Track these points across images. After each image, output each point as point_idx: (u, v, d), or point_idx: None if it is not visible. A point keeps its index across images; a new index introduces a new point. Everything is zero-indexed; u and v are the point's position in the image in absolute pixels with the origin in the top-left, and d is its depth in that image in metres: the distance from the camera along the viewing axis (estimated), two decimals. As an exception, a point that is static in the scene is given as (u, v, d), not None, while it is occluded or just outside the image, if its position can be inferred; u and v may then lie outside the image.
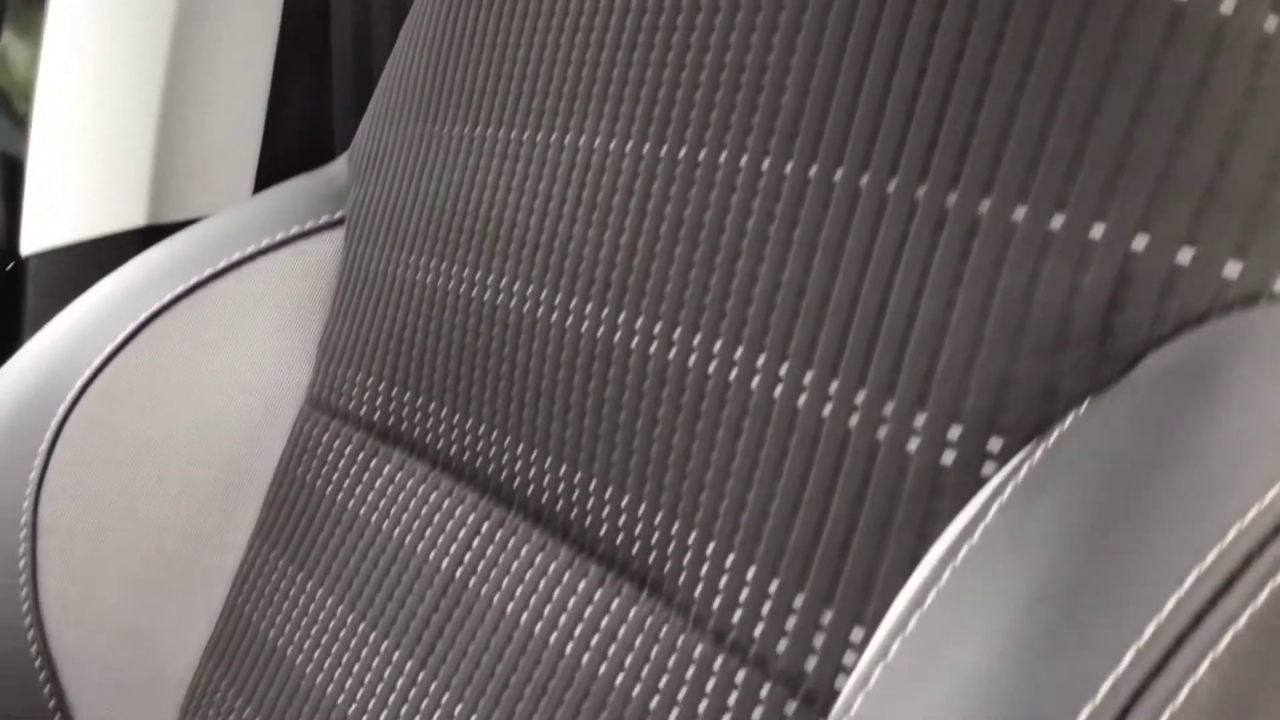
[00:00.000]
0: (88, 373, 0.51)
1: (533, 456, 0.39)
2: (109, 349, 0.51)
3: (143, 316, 0.52)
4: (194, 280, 0.52)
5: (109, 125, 0.64)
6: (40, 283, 0.65)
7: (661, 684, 0.32)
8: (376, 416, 0.47)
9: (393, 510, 0.45)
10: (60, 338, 0.53)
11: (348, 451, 0.48)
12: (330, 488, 0.48)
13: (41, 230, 0.66)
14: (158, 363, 0.51)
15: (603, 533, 0.36)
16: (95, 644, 0.50)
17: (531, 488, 0.39)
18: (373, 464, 0.47)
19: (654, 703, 0.32)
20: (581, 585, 0.36)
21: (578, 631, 0.36)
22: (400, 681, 0.40)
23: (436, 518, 0.43)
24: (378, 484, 0.46)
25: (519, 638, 0.37)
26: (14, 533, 0.50)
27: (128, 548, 0.51)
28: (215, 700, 0.48)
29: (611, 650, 0.34)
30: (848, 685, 0.24)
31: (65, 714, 0.50)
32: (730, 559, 0.32)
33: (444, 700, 0.38)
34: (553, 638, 0.36)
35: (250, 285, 0.53)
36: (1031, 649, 0.21)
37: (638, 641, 0.34)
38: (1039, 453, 0.25)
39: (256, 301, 0.53)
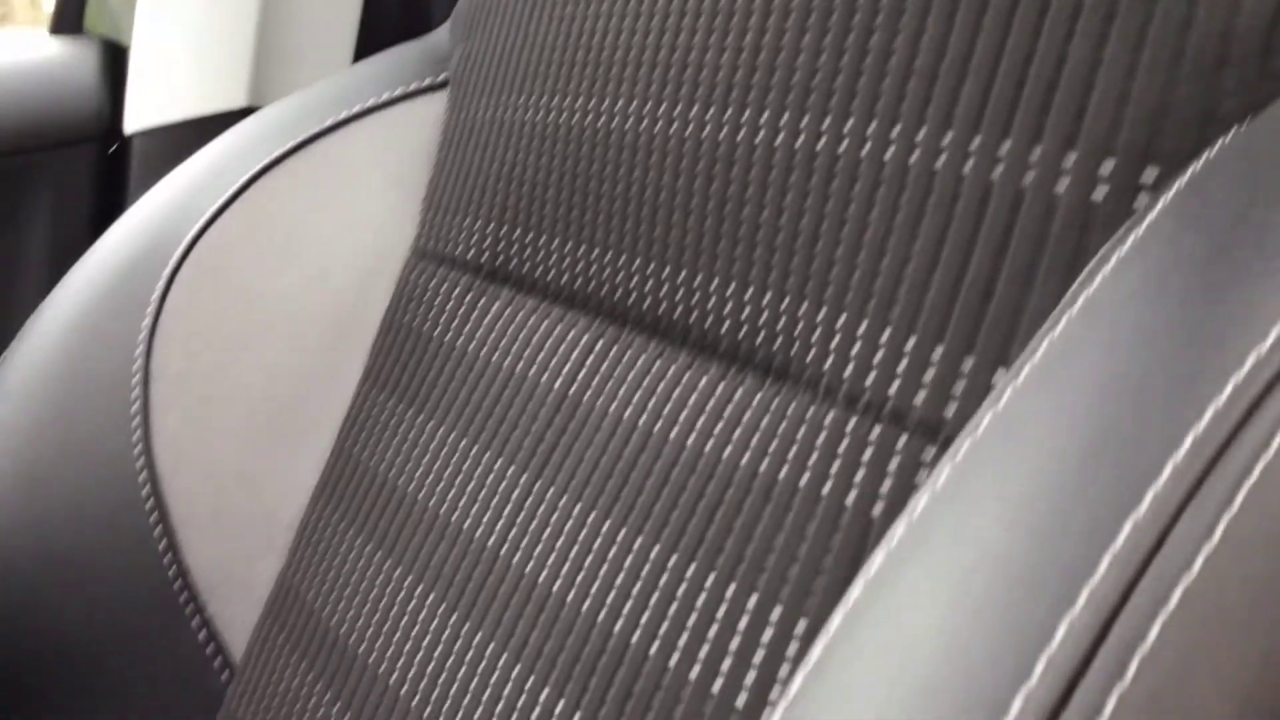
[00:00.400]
0: (199, 224, 0.52)
1: (649, 269, 0.40)
2: (220, 202, 0.52)
3: (252, 171, 0.53)
4: (301, 138, 0.53)
5: (211, 6, 0.66)
6: (143, 162, 0.66)
7: (790, 454, 0.32)
8: (484, 258, 0.48)
9: (502, 343, 0.45)
10: (173, 193, 0.54)
11: (455, 294, 0.49)
12: (438, 329, 0.49)
13: (145, 110, 0.67)
14: (266, 216, 0.52)
15: (724, 330, 0.36)
16: (206, 488, 0.51)
17: (648, 300, 0.40)
18: (481, 303, 0.47)
19: (783, 472, 0.32)
20: (702, 382, 0.37)
21: (699, 423, 0.36)
22: (515, 493, 0.41)
23: (548, 343, 0.43)
24: (486, 320, 0.46)
25: (637, 439, 0.37)
26: (128, 378, 0.51)
27: (238, 394, 0.52)
28: (326, 536, 0.49)
29: (735, 434, 0.34)
30: (987, 414, 0.24)
31: (176, 555, 0.51)
32: (863, 326, 0.32)
33: (561, 503, 0.39)
34: (673, 433, 0.36)
35: (355, 144, 0.54)
36: (1137, 387, 0.21)
37: (763, 422, 0.34)
38: (1187, 178, 0.25)
39: (362, 160, 0.53)
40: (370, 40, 0.69)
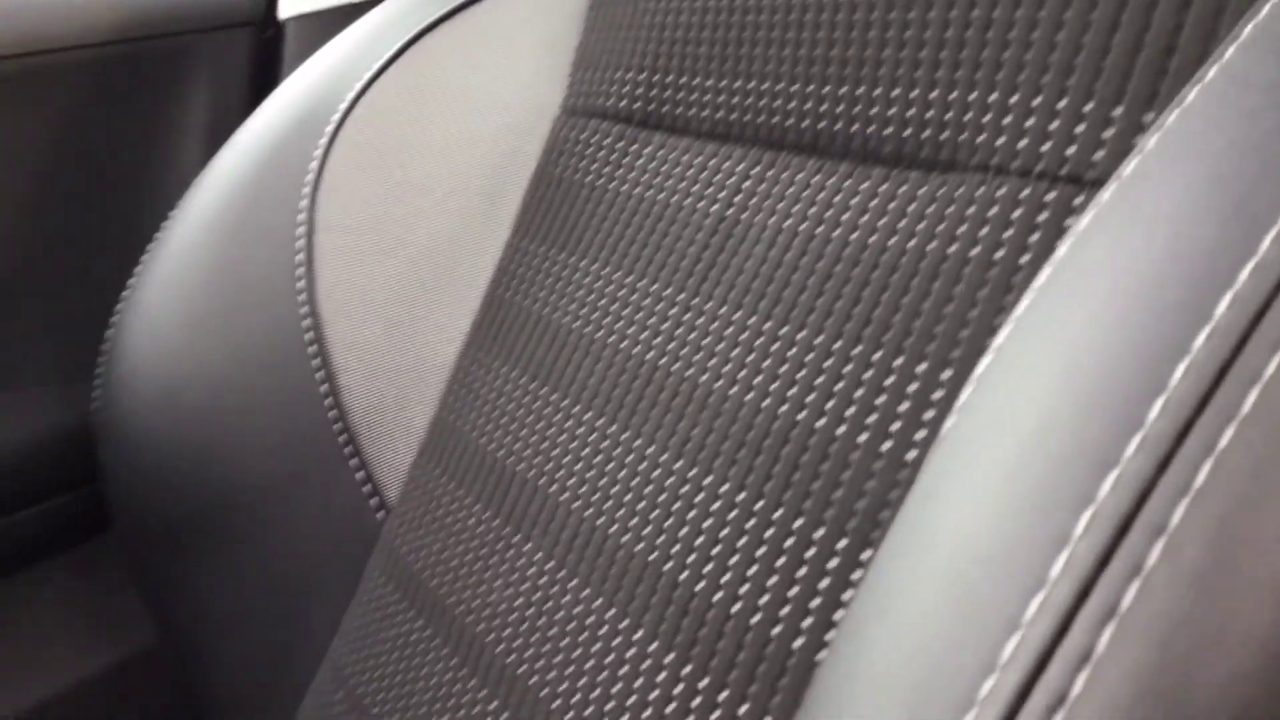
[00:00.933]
0: (360, 84, 0.55)
1: (808, 90, 0.41)
2: (379, 63, 0.55)
3: (411, 34, 0.55)
4: (456, 3, 0.55)
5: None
6: (296, 47, 0.70)
7: (959, 231, 0.33)
8: (636, 106, 0.49)
9: (655, 180, 0.47)
10: (335, 58, 0.56)
11: (606, 144, 0.50)
12: (589, 177, 0.50)
13: None
14: (423, 77, 0.55)
15: (886, 133, 0.37)
16: (365, 334, 0.54)
17: (806, 120, 0.41)
18: (633, 149, 0.49)
19: (952, 248, 0.33)
20: (864, 186, 0.38)
21: (861, 221, 0.37)
22: (673, 310, 0.42)
23: (702, 175, 0.45)
24: (639, 164, 0.48)
25: (798, 244, 0.39)
26: (293, 230, 0.54)
27: (396, 246, 0.54)
28: (480, 374, 0.51)
29: (900, 224, 0.35)
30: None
31: (336, 400, 0.54)
32: (1037, 100, 0.32)
33: (721, 311, 0.40)
34: (835, 233, 0.38)
35: (508, 10, 0.56)
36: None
37: (929, 210, 0.35)
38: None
39: (514, 24, 0.55)
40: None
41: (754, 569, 0.34)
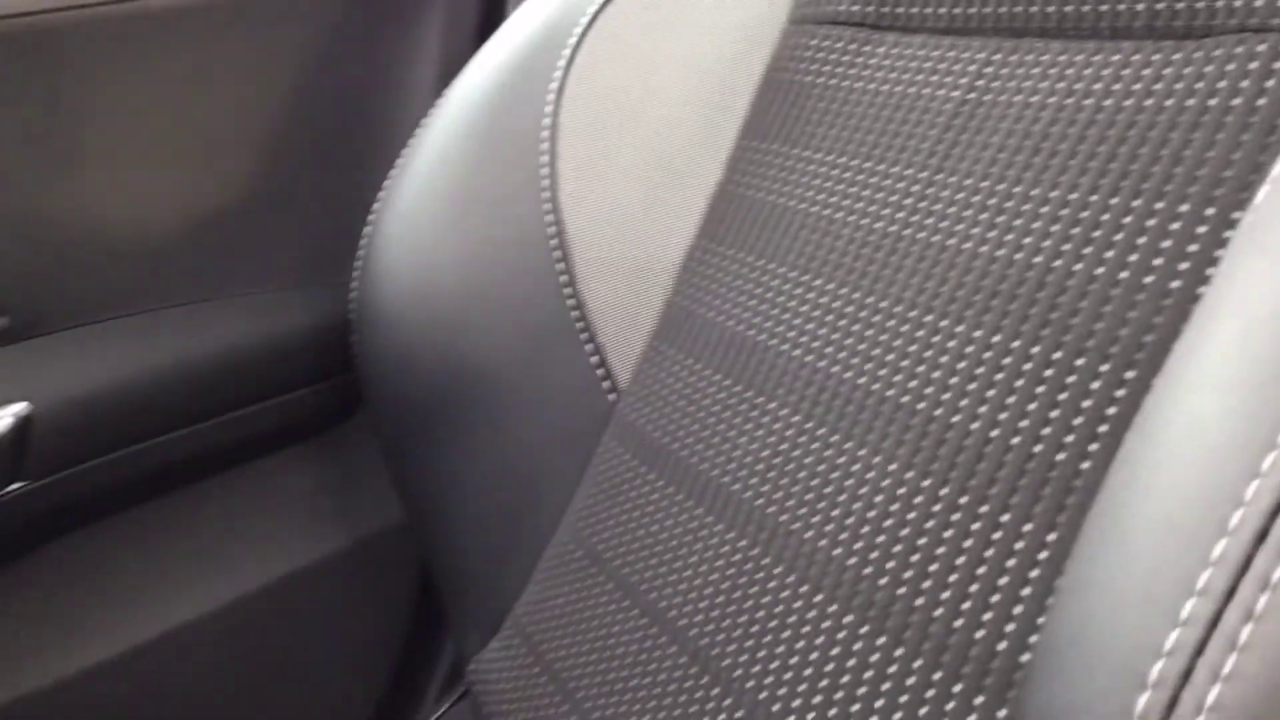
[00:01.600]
0: (597, 4, 0.60)
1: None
2: None
3: None
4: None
5: None
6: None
7: (1218, 86, 0.36)
8: (869, 9, 0.53)
9: (890, 75, 0.50)
10: None
11: (837, 46, 0.54)
12: (821, 79, 0.54)
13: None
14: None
15: (1139, 8, 0.40)
16: (602, 233, 0.59)
17: (1052, 6, 0.44)
18: (865, 49, 0.52)
19: (1211, 101, 0.36)
20: (1115, 59, 0.40)
21: (1115, 88, 0.40)
22: (914, 187, 0.46)
23: (940, 66, 0.48)
24: (872, 63, 0.52)
25: (1046, 116, 0.42)
26: (538, 133, 0.59)
27: (634, 148, 0.59)
28: (711, 260, 0.55)
29: (1156, 87, 0.38)
30: None
31: (575, 290, 0.58)
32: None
33: (967, 183, 0.44)
34: (1086, 101, 0.40)
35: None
36: None
37: (1185, 72, 0.37)
38: None
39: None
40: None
41: (1011, 398, 0.38)
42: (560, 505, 0.59)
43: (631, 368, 0.58)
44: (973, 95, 0.46)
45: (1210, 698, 0.22)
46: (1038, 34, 0.44)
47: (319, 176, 0.72)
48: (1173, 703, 0.22)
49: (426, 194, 0.61)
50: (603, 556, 0.54)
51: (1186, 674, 0.22)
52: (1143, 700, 0.23)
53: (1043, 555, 0.35)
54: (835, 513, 0.42)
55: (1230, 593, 0.22)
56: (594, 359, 0.59)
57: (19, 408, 0.60)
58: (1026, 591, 0.35)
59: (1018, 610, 0.35)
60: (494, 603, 0.60)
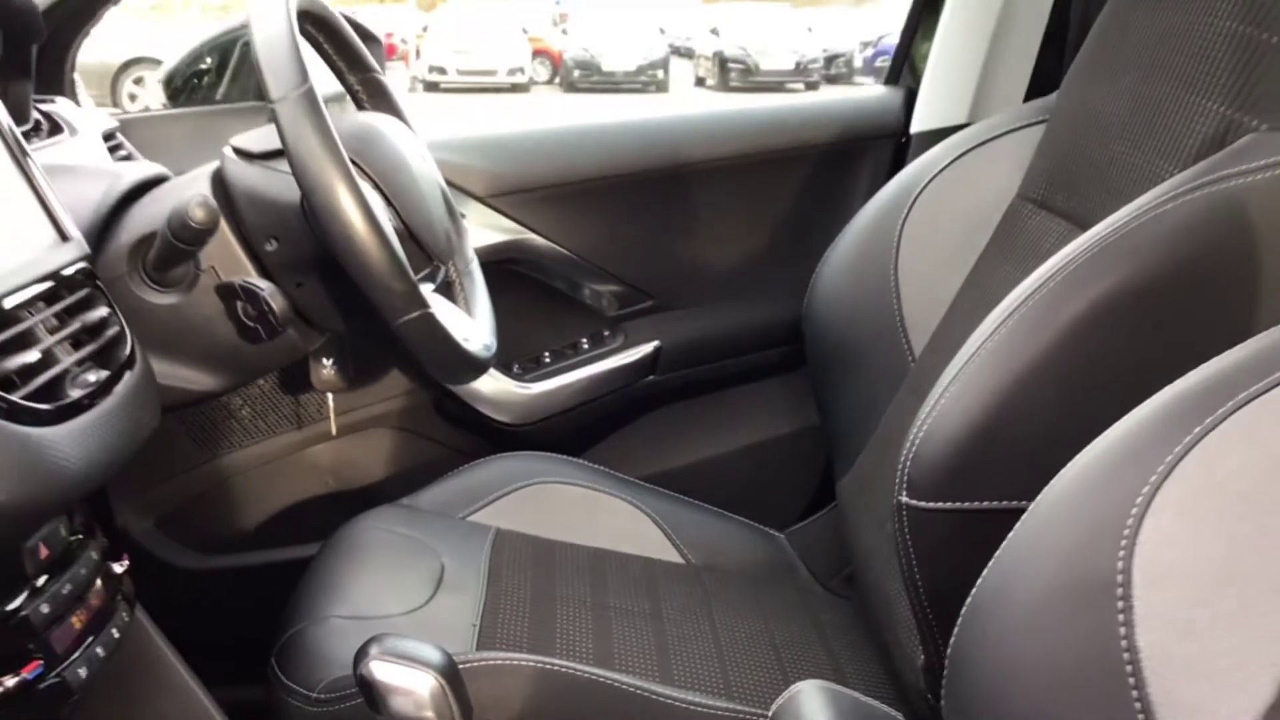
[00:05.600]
0: (925, 181, 1.23)
1: None
2: (933, 171, 1.22)
3: (957, 154, 1.21)
4: (973, 143, 1.20)
5: (952, 72, 1.36)
6: (915, 149, 1.39)
7: None
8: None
9: None
10: (914, 168, 1.24)
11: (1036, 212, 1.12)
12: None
13: (919, 121, 1.41)
14: (965, 171, 1.21)
15: None
16: (928, 301, 1.23)
17: None
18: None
19: None
20: None
21: None
22: None
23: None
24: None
25: None
26: (892, 245, 1.24)
27: (950, 243, 1.22)
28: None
29: None
30: None
31: (900, 312, 1.23)
32: None
33: None
34: None
35: (1000, 147, 1.19)
36: None
37: None
38: None
39: (1008, 157, 1.19)
40: (1035, 87, 1.33)
41: None
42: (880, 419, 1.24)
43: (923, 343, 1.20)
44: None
45: None
46: None
47: (795, 237, 1.44)
48: None
49: (836, 264, 1.28)
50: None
51: None
52: None
53: None
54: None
55: None
56: (904, 341, 1.22)
57: (655, 344, 1.39)
58: None
59: None
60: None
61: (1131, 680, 0.52)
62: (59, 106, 1.25)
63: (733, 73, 13.87)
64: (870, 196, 1.29)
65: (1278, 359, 0.56)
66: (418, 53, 14.14)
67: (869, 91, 1.52)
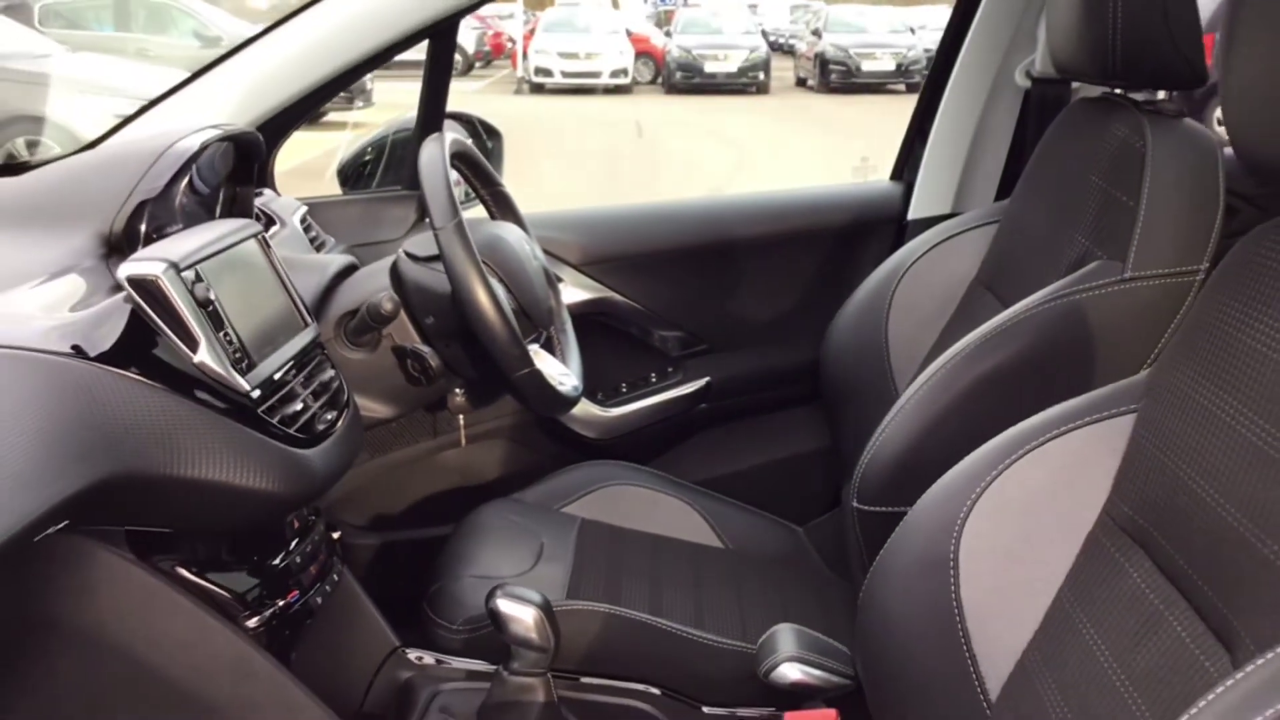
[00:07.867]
0: (915, 256, 1.61)
1: None
2: (916, 255, 1.60)
3: (934, 243, 1.59)
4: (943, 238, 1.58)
5: (945, 163, 1.74)
6: (912, 232, 1.77)
7: None
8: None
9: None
10: (902, 253, 1.62)
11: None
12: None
13: (916, 209, 1.79)
14: (932, 263, 1.59)
15: None
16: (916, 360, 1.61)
17: None
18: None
19: None
20: None
21: None
22: None
23: None
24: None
25: None
26: (883, 309, 1.62)
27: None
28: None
29: None
30: None
31: (890, 366, 1.62)
32: None
33: None
34: None
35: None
36: None
37: None
38: None
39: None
40: (1005, 186, 1.71)
41: None
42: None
43: (904, 385, 1.59)
44: None
45: None
46: None
47: (815, 299, 1.84)
48: None
49: (849, 312, 1.66)
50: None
51: None
52: None
53: None
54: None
55: None
56: (891, 384, 1.59)
57: (707, 379, 1.81)
58: None
59: None
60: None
61: (958, 621, 0.90)
62: (266, 198, 1.68)
63: (833, 74, 14.09)
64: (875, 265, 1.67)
65: (1064, 417, 0.95)
66: (524, 54, 14.51)
67: (878, 185, 1.92)
